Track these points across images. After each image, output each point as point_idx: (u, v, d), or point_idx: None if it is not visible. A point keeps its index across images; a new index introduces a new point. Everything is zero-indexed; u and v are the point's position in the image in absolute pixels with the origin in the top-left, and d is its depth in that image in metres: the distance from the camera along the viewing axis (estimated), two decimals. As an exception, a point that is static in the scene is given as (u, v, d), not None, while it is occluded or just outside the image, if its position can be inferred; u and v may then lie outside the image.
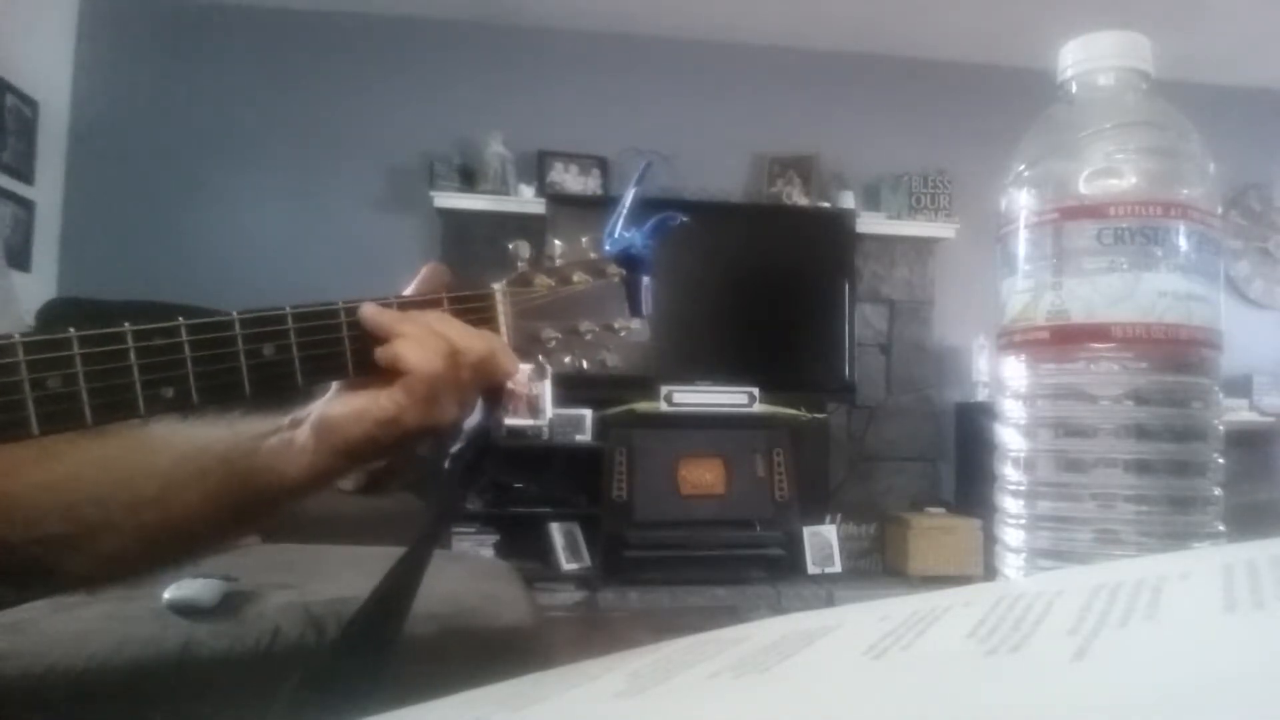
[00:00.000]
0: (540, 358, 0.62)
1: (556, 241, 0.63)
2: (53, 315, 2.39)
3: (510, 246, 0.62)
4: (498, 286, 0.61)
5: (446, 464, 0.60)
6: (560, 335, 0.62)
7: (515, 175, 3.92)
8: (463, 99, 4.03)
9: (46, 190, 3.67)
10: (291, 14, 3.97)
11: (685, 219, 0.66)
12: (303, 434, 0.56)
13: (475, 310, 0.59)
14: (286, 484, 0.57)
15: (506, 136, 3.90)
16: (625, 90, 4.13)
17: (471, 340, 0.56)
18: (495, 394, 0.60)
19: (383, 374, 0.55)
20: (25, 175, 3.55)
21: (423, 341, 0.55)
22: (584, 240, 0.64)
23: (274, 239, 3.88)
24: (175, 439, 0.58)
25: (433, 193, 3.84)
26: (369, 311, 0.55)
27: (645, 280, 0.64)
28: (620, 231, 0.64)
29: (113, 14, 3.86)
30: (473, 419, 0.60)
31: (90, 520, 0.57)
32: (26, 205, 3.54)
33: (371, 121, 3.97)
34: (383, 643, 0.54)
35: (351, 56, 4.00)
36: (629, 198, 0.67)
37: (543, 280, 0.62)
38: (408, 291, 0.59)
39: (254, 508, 0.59)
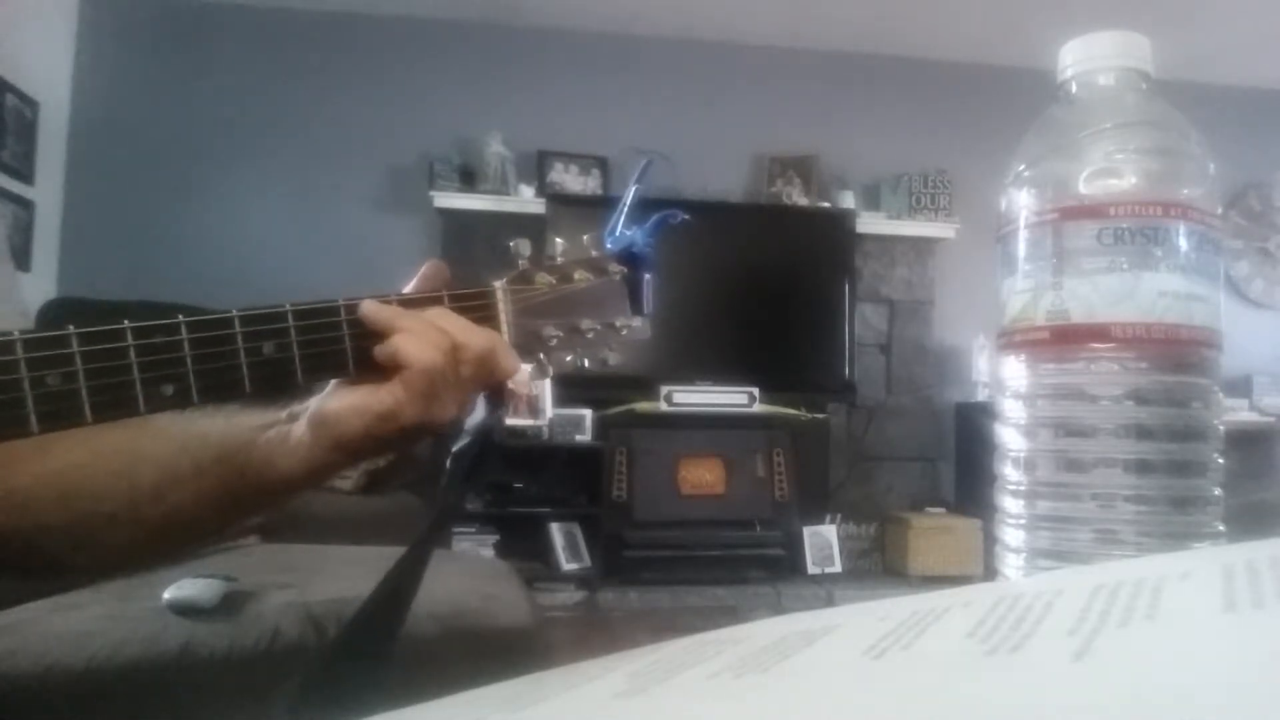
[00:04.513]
0: (541, 356, 0.62)
1: (558, 240, 0.63)
2: (53, 315, 2.39)
3: (511, 244, 0.62)
4: (498, 284, 0.60)
5: (448, 463, 0.60)
6: (561, 333, 0.62)
7: (515, 175, 3.92)
8: (463, 99, 4.03)
9: (46, 190, 3.67)
10: (291, 14, 3.97)
11: (686, 217, 0.66)
12: (300, 428, 0.56)
13: (476, 308, 0.59)
14: (283, 478, 0.57)
15: (506, 136, 3.90)
16: (625, 90, 4.13)
17: (472, 336, 0.56)
18: (497, 393, 0.60)
19: (382, 370, 0.55)
20: (25, 175, 3.55)
21: (422, 336, 0.55)
22: (585, 238, 0.64)
23: (274, 239, 3.88)
24: (173, 431, 0.58)
25: (433, 193, 3.84)
26: (369, 308, 0.55)
27: (647, 278, 0.64)
28: (621, 229, 0.64)
29: (113, 14, 3.86)
30: (475, 418, 0.60)
31: (88, 511, 0.58)
32: (26, 205, 3.54)
33: (371, 121, 3.97)
34: (382, 643, 0.54)
35: (351, 56, 4.00)
36: (630, 196, 0.67)
37: (544, 278, 0.61)
38: (408, 289, 0.59)
39: (252, 501, 0.59)
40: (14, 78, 3.43)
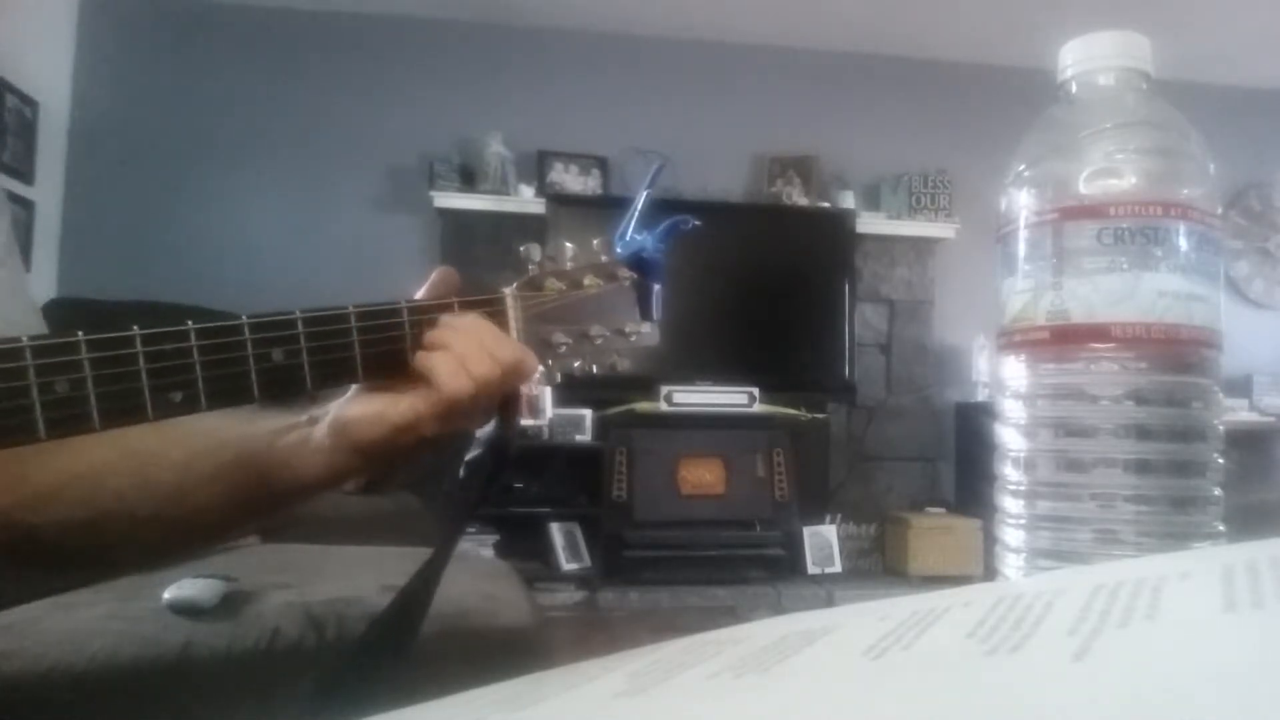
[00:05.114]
0: (549, 363, 0.62)
1: (567, 244, 0.62)
2: (52, 315, 2.39)
3: (521, 249, 0.61)
4: (508, 290, 0.60)
5: (463, 472, 0.60)
6: (571, 340, 0.62)
7: (515, 175, 3.92)
8: (463, 99, 4.03)
9: (46, 190, 3.67)
10: (291, 14, 3.97)
11: (697, 222, 0.66)
12: (320, 432, 0.56)
13: (485, 314, 0.59)
14: (301, 482, 0.57)
15: (506, 136, 3.89)
16: (625, 90, 4.13)
17: (505, 351, 0.56)
18: (512, 401, 0.59)
19: (403, 375, 0.55)
20: (25, 175, 3.55)
21: (460, 364, 0.54)
22: (595, 243, 0.63)
23: (274, 239, 3.88)
24: (193, 431, 0.58)
25: (433, 193, 3.84)
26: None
27: (657, 286, 0.64)
28: (631, 234, 0.64)
29: (113, 14, 3.86)
30: (487, 427, 0.60)
31: (108, 509, 0.58)
32: (26, 205, 3.54)
33: (371, 121, 3.97)
34: (402, 647, 0.54)
35: (351, 56, 4.00)
36: (641, 200, 0.67)
37: (553, 284, 0.61)
38: (418, 296, 0.59)
39: (269, 503, 0.59)
40: (14, 78, 3.43)
